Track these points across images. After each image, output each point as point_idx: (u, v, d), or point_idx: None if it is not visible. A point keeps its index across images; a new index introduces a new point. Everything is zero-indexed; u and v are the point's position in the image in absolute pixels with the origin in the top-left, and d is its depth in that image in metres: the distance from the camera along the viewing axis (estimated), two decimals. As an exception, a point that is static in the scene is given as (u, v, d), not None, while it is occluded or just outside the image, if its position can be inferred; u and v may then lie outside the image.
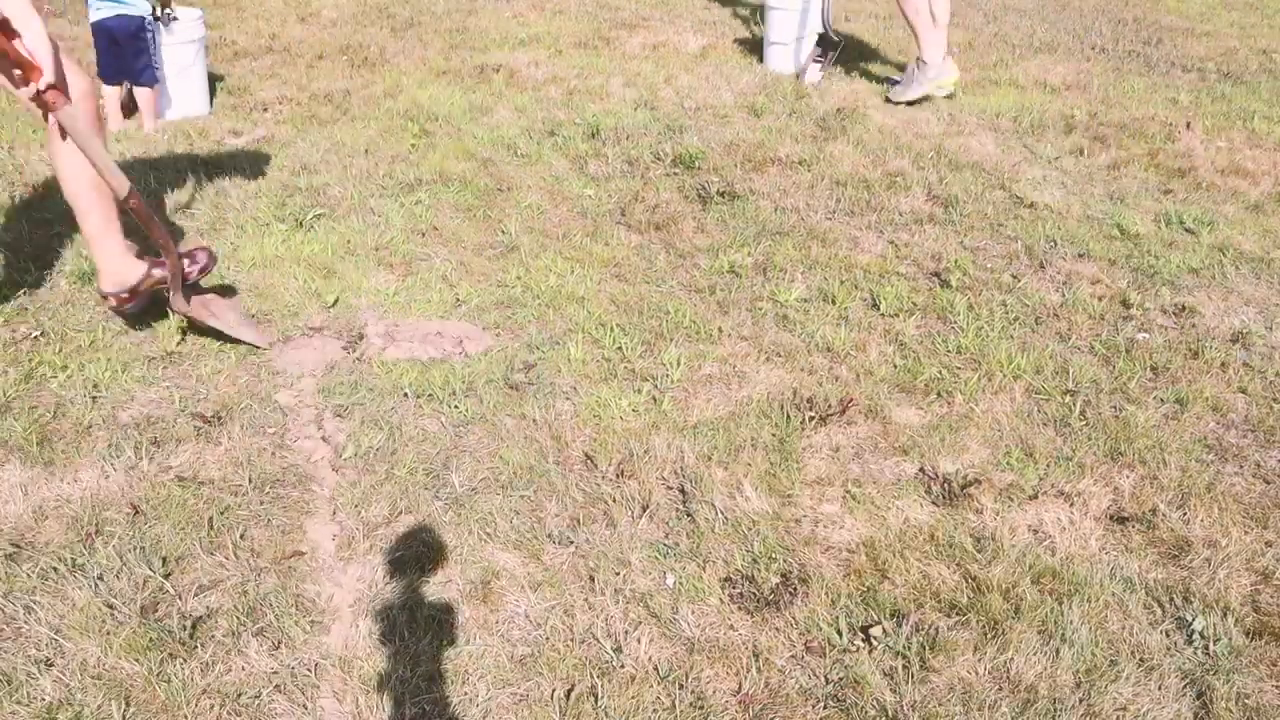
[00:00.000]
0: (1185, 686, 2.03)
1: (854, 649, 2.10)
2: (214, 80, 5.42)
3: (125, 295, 2.93)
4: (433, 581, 2.25)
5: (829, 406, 2.83)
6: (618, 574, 2.28)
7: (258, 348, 3.00)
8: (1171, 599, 2.24)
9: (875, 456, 2.69)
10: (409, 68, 5.98)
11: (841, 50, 5.84)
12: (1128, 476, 2.62)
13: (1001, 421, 2.82)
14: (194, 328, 3.01)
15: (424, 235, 3.86)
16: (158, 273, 2.93)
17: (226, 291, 3.24)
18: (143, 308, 3.04)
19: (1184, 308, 3.43)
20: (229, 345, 3.08)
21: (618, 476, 2.58)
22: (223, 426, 2.73)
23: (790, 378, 3.00)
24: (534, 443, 2.70)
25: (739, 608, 2.20)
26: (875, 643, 2.10)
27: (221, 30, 6.61)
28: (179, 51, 4.96)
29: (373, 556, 2.32)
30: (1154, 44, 6.87)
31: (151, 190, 4.13)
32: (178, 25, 4.94)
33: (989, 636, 2.12)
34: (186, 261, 2.95)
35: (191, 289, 2.96)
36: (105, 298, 2.95)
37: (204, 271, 3.03)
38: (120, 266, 2.91)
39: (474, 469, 2.60)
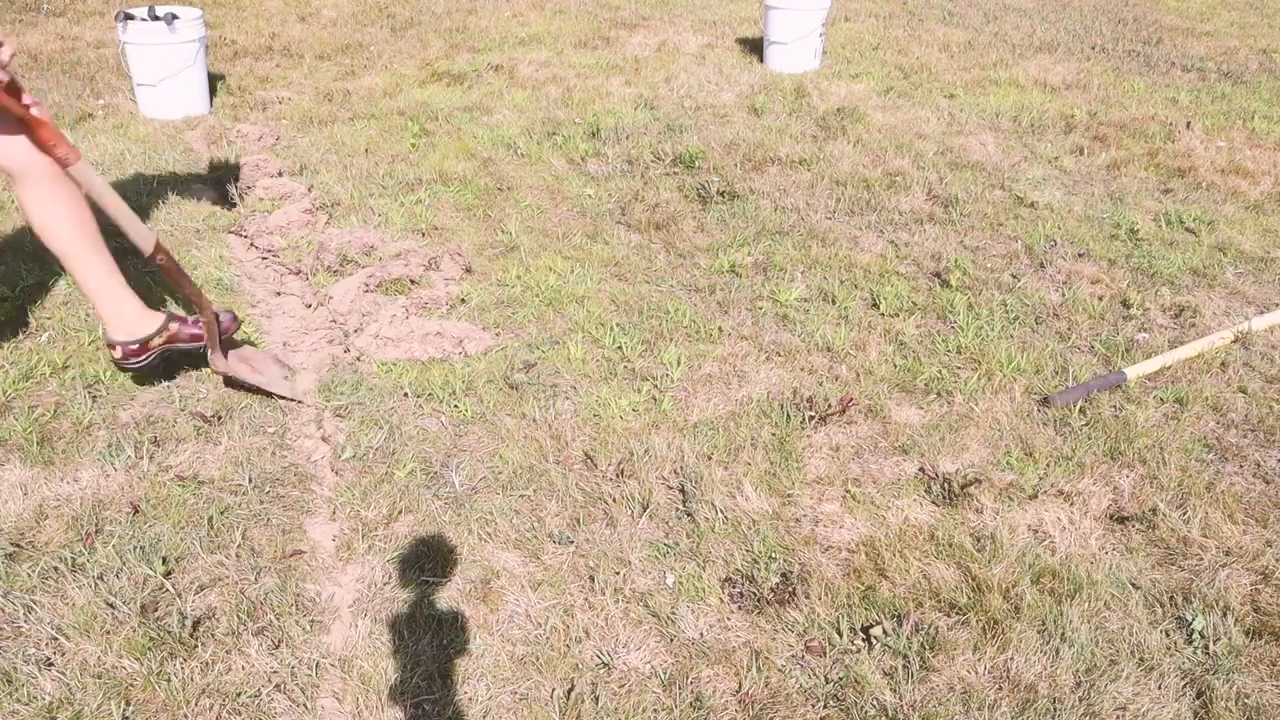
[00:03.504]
0: (1185, 686, 2.03)
1: (854, 649, 2.10)
2: (214, 80, 5.42)
3: (135, 347, 2.70)
4: (433, 581, 2.25)
5: (829, 406, 2.83)
6: (618, 573, 2.28)
7: (297, 401, 2.85)
8: (1171, 599, 2.24)
9: (875, 456, 2.69)
10: (409, 67, 5.98)
11: None
12: (1128, 476, 2.62)
13: (1001, 421, 2.82)
14: (231, 384, 2.86)
15: (424, 234, 3.86)
16: (175, 327, 2.74)
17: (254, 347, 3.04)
18: (151, 366, 2.78)
19: (1184, 308, 3.43)
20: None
21: (618, 476, 2.58)
22: (223, 426, 2.73)
23: (790, 377, 3.00)
24: (534, 442, 2.70)
25: (739, 607, 2.20)
26: (875, 642, 2.10)
27: (221, 30, 6.61)
28: (179, 51, 4.96)
29: (372, 556, 2.32)
30: (1154, 43, 6.87)
31: (153, 191, 4.13)
32: (179, 25, 4.94)
33: (989, 636, 2.12)
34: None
35: (227, 345, 2.79)
36: (112, 347, 2.71)
37: (226, 332, 2.79)
38: (131, 313, 2.69)
39: (474, 469, 2.60)
